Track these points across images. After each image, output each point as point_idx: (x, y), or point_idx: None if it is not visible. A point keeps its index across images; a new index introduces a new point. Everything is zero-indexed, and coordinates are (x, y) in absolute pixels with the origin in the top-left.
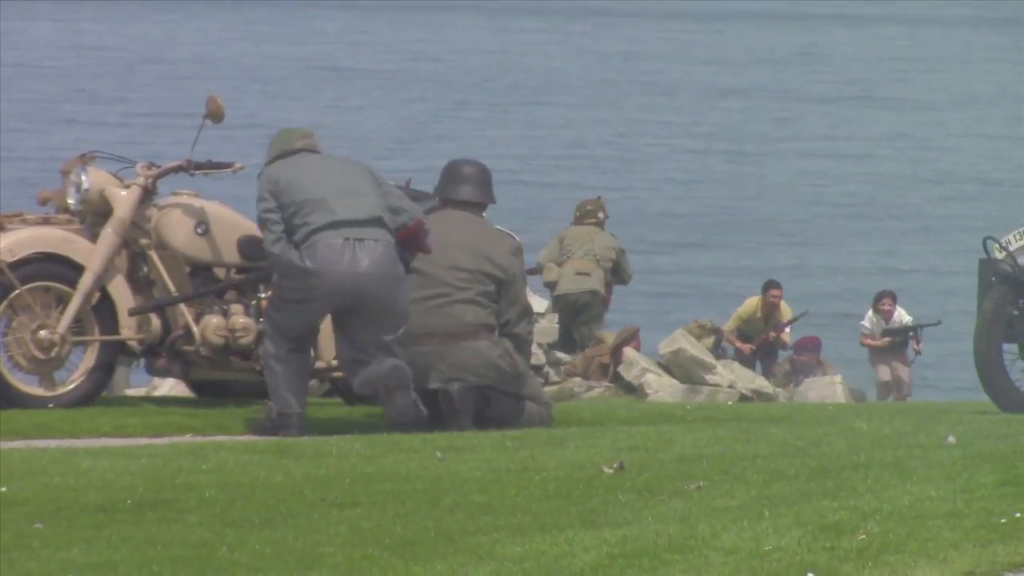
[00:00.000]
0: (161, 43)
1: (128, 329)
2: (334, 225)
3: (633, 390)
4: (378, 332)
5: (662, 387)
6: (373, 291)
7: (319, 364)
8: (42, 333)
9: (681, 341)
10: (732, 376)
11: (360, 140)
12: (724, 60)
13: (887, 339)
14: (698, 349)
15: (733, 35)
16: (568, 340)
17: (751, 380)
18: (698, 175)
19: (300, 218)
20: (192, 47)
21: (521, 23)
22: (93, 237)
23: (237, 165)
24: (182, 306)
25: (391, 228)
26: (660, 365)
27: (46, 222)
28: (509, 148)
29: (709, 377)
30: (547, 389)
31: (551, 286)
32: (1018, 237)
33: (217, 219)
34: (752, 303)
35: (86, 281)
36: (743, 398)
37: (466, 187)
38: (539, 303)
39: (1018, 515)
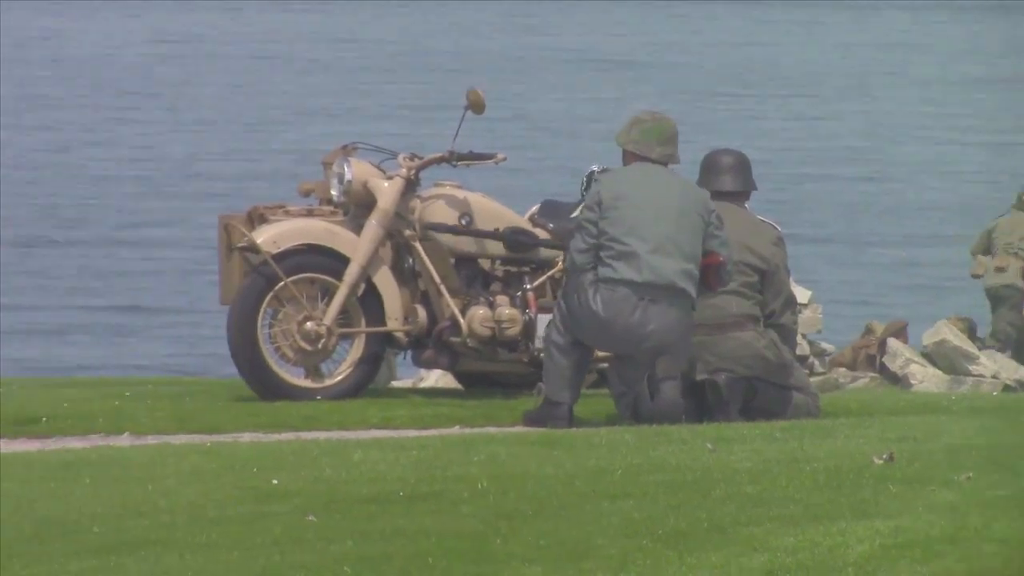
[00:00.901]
0: (421, 35)
1: (395, 321)
2: (633, 284)
3: (897, 380)
4: (652, 372)
5: (926, 377)
6: (652, 350)
7: None
8: (308, 325)
9: (945, 332)
10: (996, 366)
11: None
12: (978, 51)
13: None
14: (962, 340)
15: (988, 26)
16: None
17: (1015, 370)
18: (954, 166)
19: (609, 248)
20: (451, 38)
21: (777, 14)
22: (356, 228)
23: (500, 156)
24: (448, 298)
25: (693, 287)
26: (924, 356)
27: (309, 214)
28: (772, 140)
29: (973, 367)
30: (812, 379)
31: (978, 278)
32: None
33: (480, 210)
34: None
35: (352, 272)
36: (1007, 388)
37: (726, 177)
38: (803, 293)
39: None
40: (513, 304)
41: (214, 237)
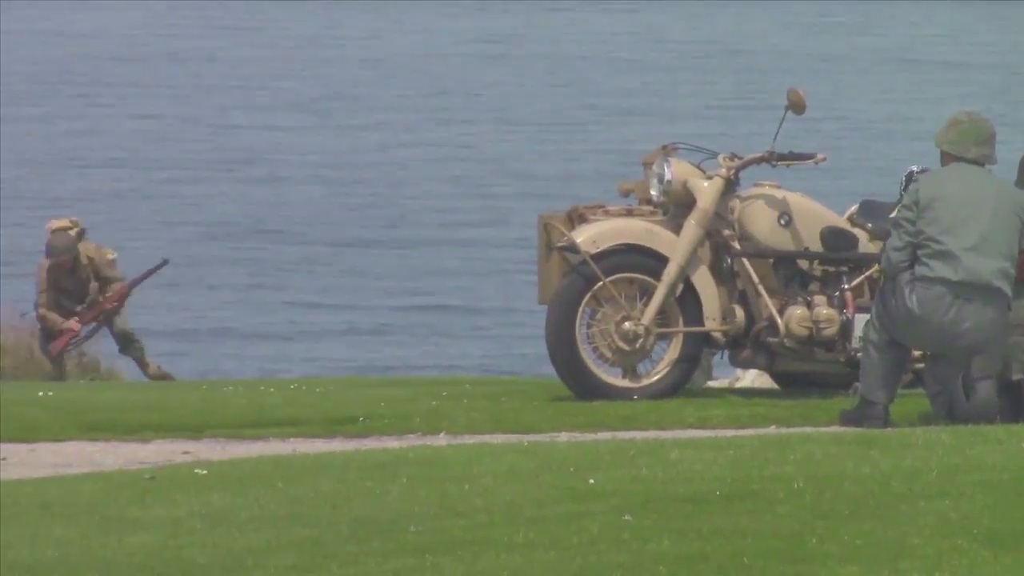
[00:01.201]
0: (736, 36)
1: (712, 321)
2: (949, 282)
3: None
4: (967, 372)
5: None
6: (966, 348)
7: None
8: (626, 325)
9: None
10: None
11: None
12: None
13: None
14: None
15: None
16: None
17: None
18: None
19: (925, 247)
20: (766, 39)
21: None
22: (675, 228)
23: (819, 156)
24: (766, 298)
25: (1009, 286)
26: None
27: (629, 214)
28: None
29: None
30: None
31: None
32: None
33: (800, 210)
34: None
35: (671, 272)
36: None
37: None
38: None
39: None
40: (831, 304)
41: (533, 237)
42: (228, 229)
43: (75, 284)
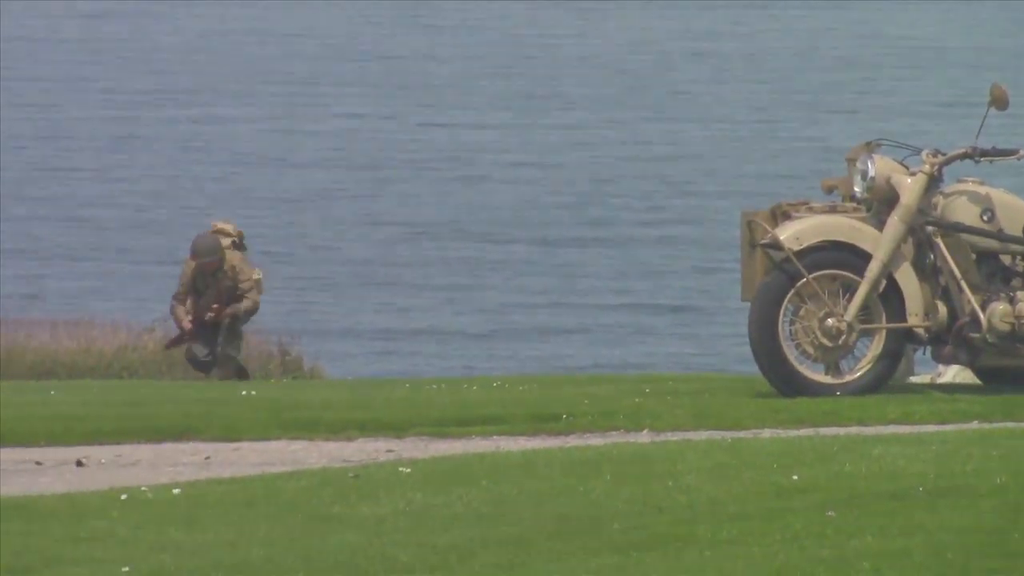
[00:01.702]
0: (943, 33)
1: (915, 317)
2: None
3: None
4: None
5: None
6: None
7: None
8: (829, 321)
9: None
10: None
11: None
12: None
13: None
14: None
15: None
16: None
17: None
18: None
19: None
20: (972, 35)
21: None
22: (879, 225)
23: (1022, 152)
24: (969, 293)
25: None
26: None
27: (832, 210)
28: None
29: None
30: None
31: None
32: None
33: (1003, 206)
34: None
35: (874, 269)
36: None
37: None
38: None
39: None
40: None
41: (736, 234)
42: (432, 229)
43: (214, 288)
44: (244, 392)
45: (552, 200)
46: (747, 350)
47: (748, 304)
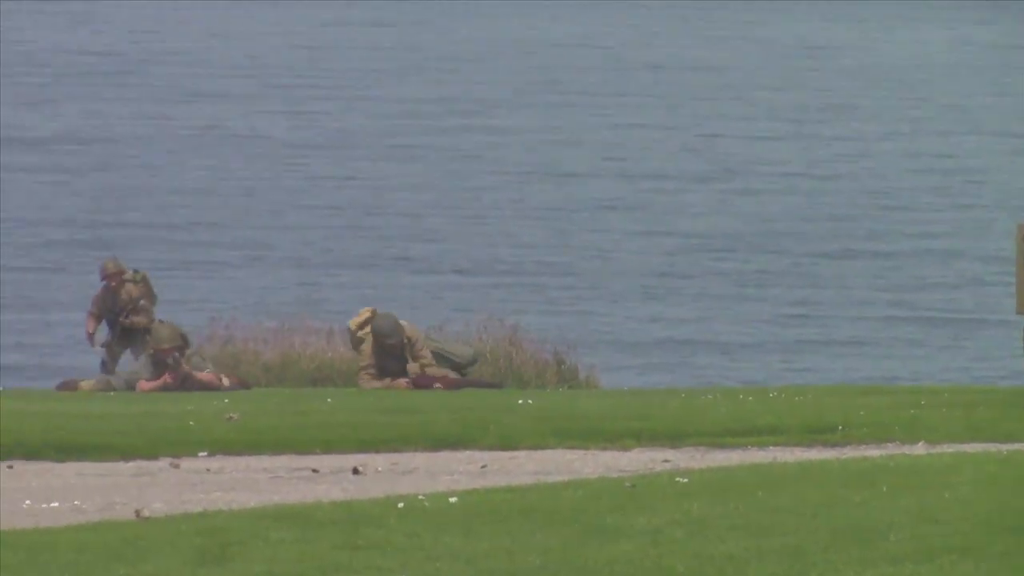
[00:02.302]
0: None
1: None
2: None
3: None
4: None
5: None
6: None
7: None
8: None
9: None
10: None
11: None
12: None
13: None
14: None
15: None
16: None
17: None
18: None
19: None
20: None
21: None
22: None
23: None
24: None
25: None
26: None
27: None
28: None
29: None
30: None
31: None
32: None
33: None
34: None
35: None
36: None
37: None
38: None
39: None
40: None
41: (1011, 247)
42: (709, 240)
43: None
44: (521, 401)
45: (827, 212)
46: (1022, 363)
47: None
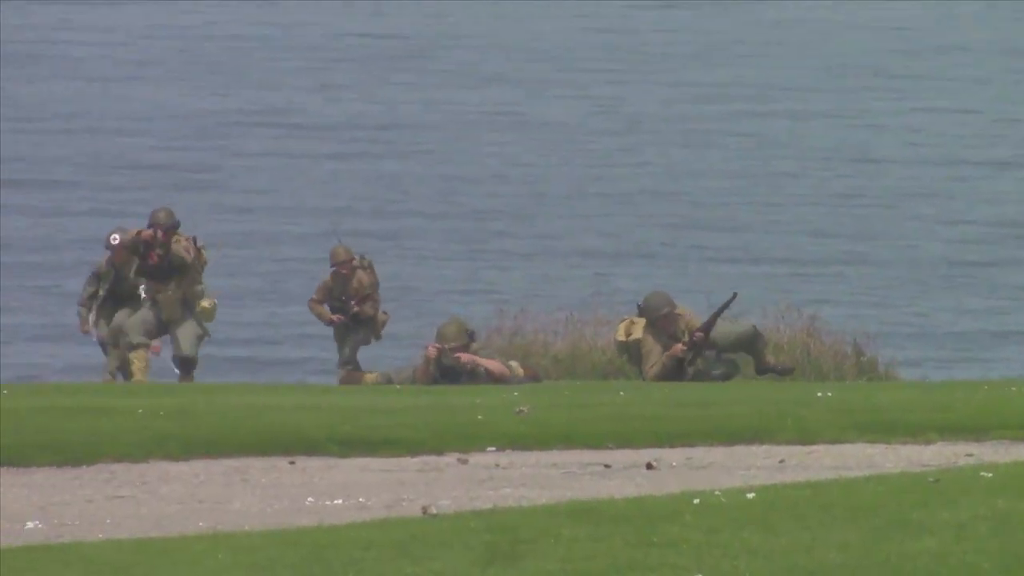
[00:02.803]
0: None
1: None
2: None
3: None
4: None
5: None
6: None
7: None
8: None
9: None
10: None
11: None
12: None
13: None
14: None
15: None
16: None
17: None
18: None
19: None
20: None
21: None
22: None
23: None
24: None
25: None
26: None
27: None
28: None
29: None
30: None
31: None
32: None
33: None
34: None
35: None
36: None
37: None
38: None
39: None
40: None
41: None
42: (1014, 229)
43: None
44: (819, 394)
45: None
46: None
47: None
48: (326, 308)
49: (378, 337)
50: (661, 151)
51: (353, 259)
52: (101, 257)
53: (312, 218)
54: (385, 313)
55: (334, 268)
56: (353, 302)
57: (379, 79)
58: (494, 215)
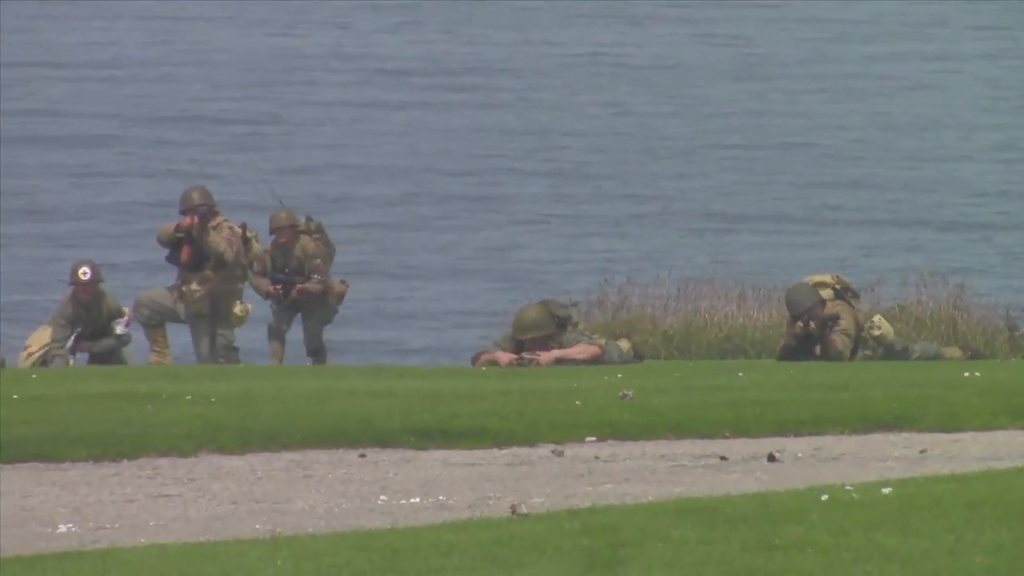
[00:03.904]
0: None
1: None
2: None
3: None
4: None
5: None
6: None
7: None
8: None
9: None
10: None
11: None
12: None
13: None
14: None
15: None
16: None
17: None
18: None
19: None
20: None
21: None
22: None
23: None
24: None
25: None
26: None
27: None
28: None
29: None
30: None
31: None
32: None
33: None
34: None
35: None
36: None
37: None
38: None
39: None
40: None
41: None
42: None
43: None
44: (967, 374)
45: None
46: None
47: None
48: (266, 281)
49: (335, 311)
50: (791, 98)
51: (296, 224)
52: (63, 295)
53: (388, 179)
54: (343, 282)
55: (273, 235)
56: (293, 287)
57: (464, 15)
58: (596, 173)
